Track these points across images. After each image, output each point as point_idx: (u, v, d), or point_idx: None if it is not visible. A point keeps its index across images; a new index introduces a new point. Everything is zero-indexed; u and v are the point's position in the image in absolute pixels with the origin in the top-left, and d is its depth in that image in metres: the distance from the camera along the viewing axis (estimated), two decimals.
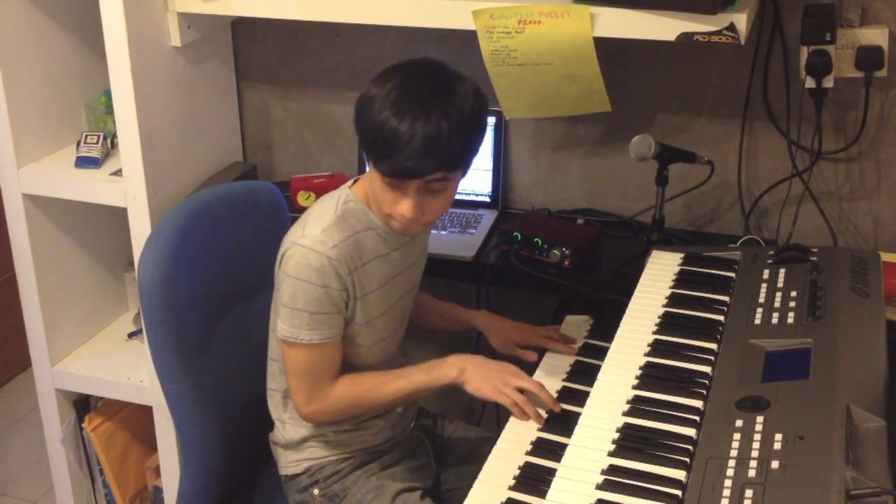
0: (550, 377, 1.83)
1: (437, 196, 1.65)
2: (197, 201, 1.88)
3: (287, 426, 1.83)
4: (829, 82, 2.02)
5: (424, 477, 1.87)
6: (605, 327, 1.88)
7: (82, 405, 2.49)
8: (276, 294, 1.74)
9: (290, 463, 1.85)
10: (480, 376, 1.72)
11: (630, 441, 1.44)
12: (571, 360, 1.89)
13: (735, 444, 1.34)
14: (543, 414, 1.70)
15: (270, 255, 1.73)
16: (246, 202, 1.95)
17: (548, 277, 2.09)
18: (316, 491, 1.82)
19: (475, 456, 1.91)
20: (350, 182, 1.77)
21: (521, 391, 1.72)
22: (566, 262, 2.10)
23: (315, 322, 1.67)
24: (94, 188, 2.21)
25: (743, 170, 2.24)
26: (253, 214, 1.95)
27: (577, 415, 1.54)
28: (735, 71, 2.18)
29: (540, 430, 1.68)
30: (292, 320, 1.67)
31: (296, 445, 1.83)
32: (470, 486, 1.58)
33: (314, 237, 1.65)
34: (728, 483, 1.28)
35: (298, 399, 1.74)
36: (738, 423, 1.39)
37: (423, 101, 1.57)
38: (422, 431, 1.95)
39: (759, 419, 1.38)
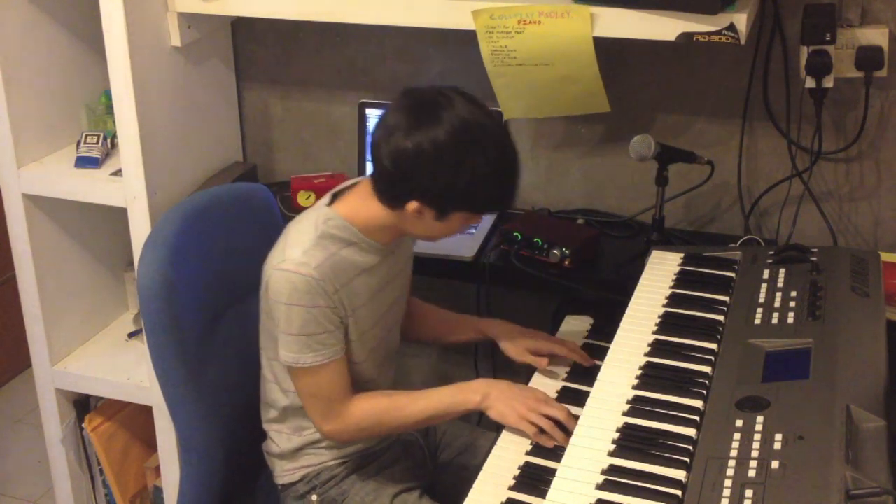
0: (550, 377, 1.83)
1: None
2: (192, 204, 1.88)
3: (283, 436, 1.82)
4: (829, 82, 2.02)
5: (421, 476, 1.87)
6: (605, 327, 1.88)
7: (82, 405, 2.49)
8: (265, 318, 1.73)
9: (285, 472, 1.84)
10: (504, 402, 1.69)
11: (630, 441, 1.44)
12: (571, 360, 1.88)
13: (735, 444, 1.34)
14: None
15: (264, 256, 1.72)
16: (240, 204, 1.95)
17: (548, 277, 2.09)
18: (314, 497, 1.81)
19: (471, 451, 1.92)
20: (327, 199, 1.74)
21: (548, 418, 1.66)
22: (566, 262, 2.10)
23: (314, 343, 1.65)
24: (94, 188, 2.21)
25: (743, 170, 2.23)
26: (247, 216, 1.95)
27: (577, 415, 1.54)
28: (735, 71, 2.17)
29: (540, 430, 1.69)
30: (291, 346, 1.66)
31: (291, 454, 1.82)
32: (467, 481, 1.58)
33: (296, 260, 1.64)
34: (728, 483, 1.28)
35: (315, 419, 1.73)
36: (738, 423, 1.39)
37: (502, 134, 1.67)
38: (416, 431, 1.94)
39: (759, 419, 1.38)
